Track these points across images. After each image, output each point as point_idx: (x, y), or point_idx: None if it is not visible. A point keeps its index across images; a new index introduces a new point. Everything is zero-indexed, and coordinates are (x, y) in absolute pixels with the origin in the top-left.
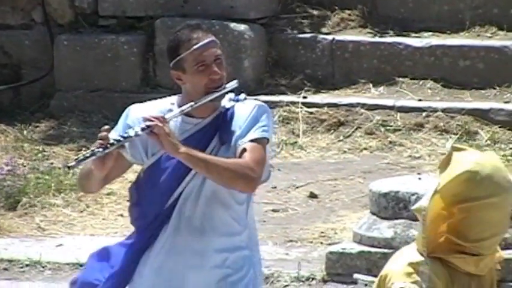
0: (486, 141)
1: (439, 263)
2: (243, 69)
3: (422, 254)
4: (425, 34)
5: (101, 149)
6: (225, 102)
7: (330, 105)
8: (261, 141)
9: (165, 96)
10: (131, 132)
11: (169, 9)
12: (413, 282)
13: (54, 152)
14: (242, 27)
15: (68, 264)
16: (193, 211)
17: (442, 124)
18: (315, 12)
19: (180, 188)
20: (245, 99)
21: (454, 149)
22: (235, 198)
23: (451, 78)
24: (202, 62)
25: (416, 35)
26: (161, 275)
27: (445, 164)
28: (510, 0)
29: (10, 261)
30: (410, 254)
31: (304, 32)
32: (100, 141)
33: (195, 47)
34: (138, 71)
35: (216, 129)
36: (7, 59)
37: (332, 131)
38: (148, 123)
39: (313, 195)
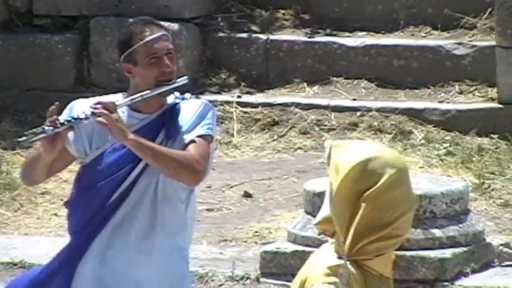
0: (420, 140)
1: (355, 266)
2: (178, 68)
3: (341, 257)
4: (360, 34)
5: (51, 127)
6: (171, 100)
7: (264, 104)
8: (206, 138)
9: (99, 95)
10: (81, 115)
11: (103, 9)
12: (331, 283)
13: None
14: (177, 26)
15: (2, 263)
16: (139, 209)
17: (376, 124)
18: (250, 12)
19: (125, 184)
20: (190, 97)
21: (333, 146)
22: (179, 197)
23: (385, 78)
24: (154, 54)
25: (351, 34)
26: (104, 272)
27: (329, 164)
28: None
29: None
30: (328, 257)
31: (239, 32)
32: (51, 118)
33: (147, 38)
34: (73, 70)
35: (163, 125)
36: None
37: (266, 130)
38: (98, 107)
39: (247, 195)
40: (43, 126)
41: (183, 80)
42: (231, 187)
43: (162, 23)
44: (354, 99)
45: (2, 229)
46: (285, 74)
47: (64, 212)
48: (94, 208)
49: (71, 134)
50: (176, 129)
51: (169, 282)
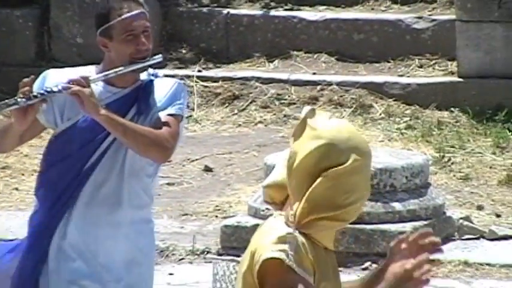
0: (380, 114)
1: (307, 238)
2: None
3: (289, 227)
4: (320, 8)
5: (24, 99)
6: (145, 76)
7: (224, 78)
8: (177, 117)
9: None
10: (54, 88)
11: None
12: (280, 250)
13: None
14: None
15: None
16: (108, 182)
17: (336, 98)
18: None
19: (94, 156)
20: (163, 75)
21: (308, 115)
22: (146, 171)
23: (345, 52)
24: (131, 31)
25: (311, 8)
26: (78, 243)
27: (299, 133)
28: None
29: None
30: (277, 227)
31: (199, 6)
32: (24, 89)
33: (125, 15)
34: (33, 44)
35: (135, 100)
36: None
37: (227, 104)
38: (73, 80)
39: (208, 169)
40: (16, 98)
41: (157, 59)
42: (192, 161)
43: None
44: (314, 73)
45: None
46: (245, 49)
47: (25, 186)
48: (68, 178)
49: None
50: (148, 106)
51: (136, 254)
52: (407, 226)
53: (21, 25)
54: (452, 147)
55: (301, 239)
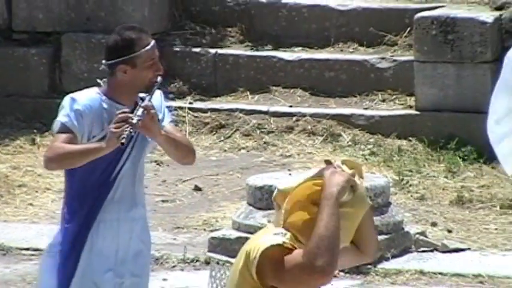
0: (348, 142)
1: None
2: None
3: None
4: (296, 49)
5: (130, 127)
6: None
7: (212, 110)
8: (173, 123)
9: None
10: (137, 117)
11: (74, 26)
12: (278, 239)
13: None
14: None
15: None
16: (126, 185)
17: (310, 127)
18: (200, 29)
19: (117, 168)
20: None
21: (343, 162)
22: (143, 177)
23: (317, 88)
24: (153, 59)
25: (288, 49)
26: (98, 243)
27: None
28: (369, 20)
29: None
30: (271, 229)
31: (191, 46)
32: (125, 119)
33: (148, 47)
34: (46, 79)
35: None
36: None
37: (214, 132)
38: (142, 109)
39: (197, 188)
40: (125, 128)
41: (161, 80)
42: (183, 181)
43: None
44: (291, 106)
45: None
46: (231, 84)
47: (38, 202)
48: (95, 188)
49: (77, 122)
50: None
51: (141, 246)
52: None
53: (36, 62)
54: (410, 171)
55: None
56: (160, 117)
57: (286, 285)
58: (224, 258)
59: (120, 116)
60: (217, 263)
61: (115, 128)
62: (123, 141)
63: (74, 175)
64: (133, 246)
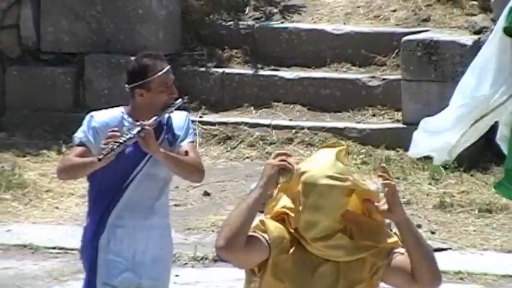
0: None
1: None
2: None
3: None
4: (295, 68)
5: (115, 145)
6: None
7: (220, 123)
8: (194, 143)
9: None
10: (130, 135)
11: (96, 47)
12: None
13: (4, 158)
14: None
15: (15, 245)
16: (144, 196)
17: (307, 139)
18: (209, 51)
19: (130, 177)
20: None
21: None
22: (167, 189)
23: (314, 103)
24: (166, 84)
25: (288, 69)
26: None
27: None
28: (361, 43)
29: None
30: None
31: (201, 66)
32: (114, 140)
33: (160, 72)
34: (71, 95)
35: (161, 133)
36: None
37: (222, 143)
38: (139, 128)
39: (206, 194)
40: (109, 146)
41: (180, 102)
42: (194, 187)
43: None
44: (290, 120)
45: (15, 218)
46: (237, 100)
47: (63, 205)
48: (111, 194)
49: (93, 138)
50: (174, 137)
51: (160, 252)
52: None
53: (61, 80)
54: (397, 178)
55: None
56: (181, 136)
57: None
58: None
59: (109, 133)
60: None
61: (104, 144)
62: (100, 156)
63: (92, 181)
64: (150, 252)
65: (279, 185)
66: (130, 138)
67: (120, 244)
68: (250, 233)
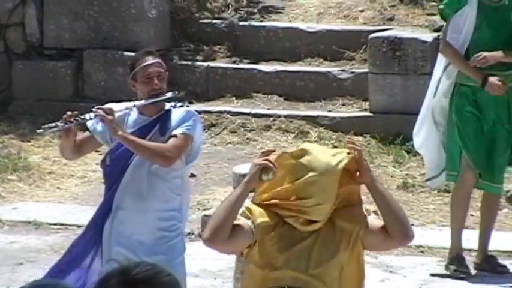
0: (314, 138)
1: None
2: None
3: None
4: (273, 62)
5: (62, 124)
6: (167, 107)
7: (205, 112)
8: (184, 135)
9: (91, 104)
10: (87, 116)
11: (93, 44)
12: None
13: (11, 143)
14: None
15: (21, 222)
16: (139, 181)
17: (284, 126)
18: (195, 47)
19: (129, 161)
20: (181, 106)
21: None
22: (172, 174)
23: (290, 94)
24: (148, 75)
25: (267, 63)
26: (116, 226)
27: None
28: (332, 39)
29: None
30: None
31: (188, 60)
32: (65, 116)
33: (143, 64)
34: (71, 87)
35: (155, 125)
36: None
37: (206, 130)
38: (98, 111)
39: (192, 175)
40: (56, 123)
41: (168, 95)
42: None
43: (132, 54)
44: (268, 109)
45: (20, 198)
46: (220, 91)
47: (64, 186)
48: (111, 179)
49: (99, 128)
50: (166, 128)
51: (164, 233)
52: None
53: (62, 73)
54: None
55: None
56: (172, 127)
57: None
58: None
59: (64, 115)
60: None
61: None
62: (39, 130)
63: (104, 165)
64: (150, 234)
65: (264, 182)
66: (82, 119)
67: (121, 225)
68: (235, 222)
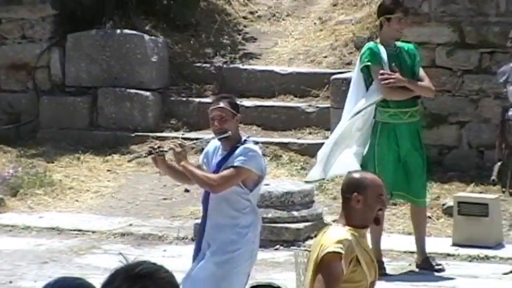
0: (286, 161)
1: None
2: (148, 118)
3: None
4: (253, 99)
5: (143, 154)
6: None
7: (197, 138)
8: (235, 168)
9: (104, 132)
10: (165, 148)
11: (106, 82)
12: (339, 248)
13: (38, 163)
14: (148, 93)
15: (46, 228)
16: (214, 206)
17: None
18: (189, 85)
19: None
20: (245, 141)
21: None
22: (235, 195)
23: (266, 124)
24: (211, 118)
25: (247, 99)
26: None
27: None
28: (301, 80)
29: (12, 226)
30: (339, 233)
31: (183, 97)
32: (149, 147)
33: (211, 107)
34: (88, 118)
35: (229, 157)
36: (12, 110)
37: (199, 154)
38: (171, 145)
39: (187, 190)
40: (141, 153)
41: (225, 134)
42: (178, 186)
43: (138, 91)
44: (248, 136)
45: (45, 208)
46: (208, 123)
47: (82, 199)
48: (203, 202)
49: (202, 159)
50: (225, 161)
51: (231, 238)
52: (301, 225)
53: (80, 106)
54: (323, 179)
55: (352, 236)
56: (229, 162)
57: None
58: (303, 249)
59: (149, 145)
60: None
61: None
62: (128, 159)
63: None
64: (221, 240)
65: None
66: (161, 151)
67: (212, 242)
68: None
